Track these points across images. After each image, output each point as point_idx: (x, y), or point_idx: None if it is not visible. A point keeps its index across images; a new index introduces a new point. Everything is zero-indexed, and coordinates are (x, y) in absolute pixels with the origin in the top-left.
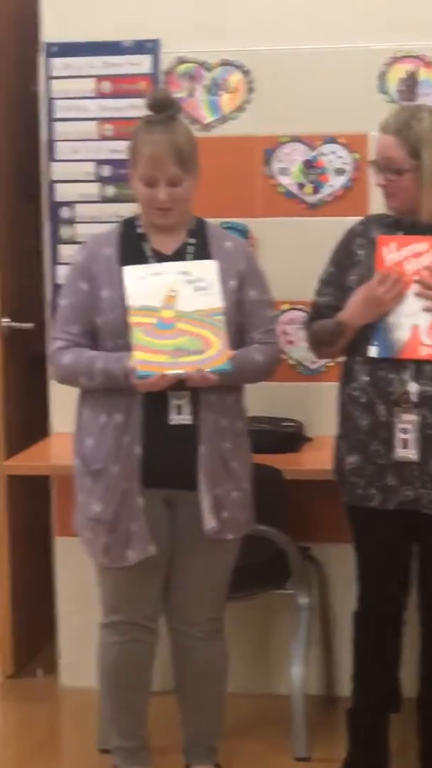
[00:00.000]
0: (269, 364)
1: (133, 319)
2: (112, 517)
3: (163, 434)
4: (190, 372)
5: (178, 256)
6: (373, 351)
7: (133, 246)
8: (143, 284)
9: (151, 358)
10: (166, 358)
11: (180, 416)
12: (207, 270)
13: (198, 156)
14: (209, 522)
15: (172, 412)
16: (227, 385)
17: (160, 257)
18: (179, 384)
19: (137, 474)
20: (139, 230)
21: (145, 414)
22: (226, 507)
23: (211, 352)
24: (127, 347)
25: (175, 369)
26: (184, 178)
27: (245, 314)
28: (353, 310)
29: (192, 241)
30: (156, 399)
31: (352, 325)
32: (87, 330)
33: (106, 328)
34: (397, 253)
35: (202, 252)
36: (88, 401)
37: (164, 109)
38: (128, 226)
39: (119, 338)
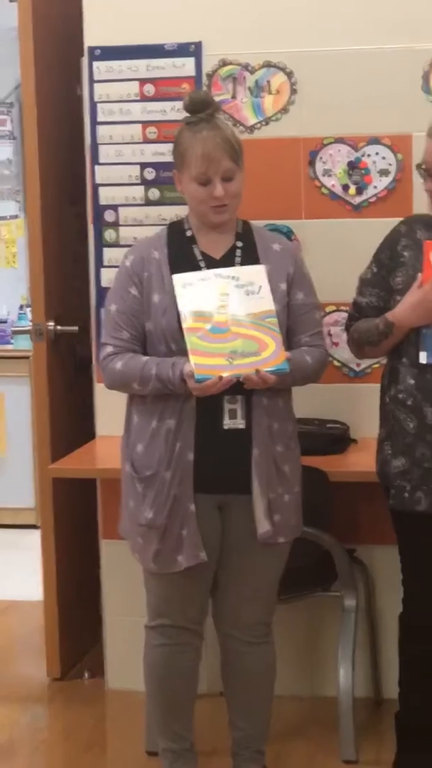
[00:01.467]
0: (318, 367)
1: (187, 324)
2: (164, 523)
3: (217, 439)
4: (248, 374)
5: (227, 260)
6: (423, 357)
7: (182, 249)
8: (194, 290)
9: (208, 361)
10: (222, 362)
11: (233, 420)
12: (255, 275)
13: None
14: (263, 526)
15: (226, 417)
16: (277, 388)
17: (209, 261)
18: (236, 387)
19: (190, 480)
20: (188, 233)
21: (198, 419)
22: (278, 511)
23: (267, 354)
24: (181, 352)
25: (233, 371)
26: (237, 171)
27: (293, 317)
28: (405, 312)
29: (240, 244)
30: (209, 404)
31: (402, 327)
32: (137, 335)
33: (159, 333)
34: None
35: (250, 255)
36: (137, 406)
37: (204, 108)
38: (176, 229)
39: (173, 343)
